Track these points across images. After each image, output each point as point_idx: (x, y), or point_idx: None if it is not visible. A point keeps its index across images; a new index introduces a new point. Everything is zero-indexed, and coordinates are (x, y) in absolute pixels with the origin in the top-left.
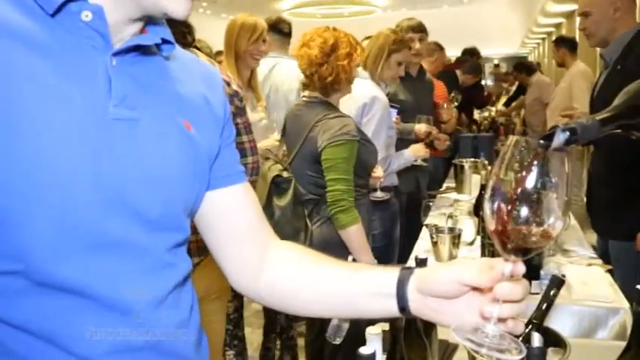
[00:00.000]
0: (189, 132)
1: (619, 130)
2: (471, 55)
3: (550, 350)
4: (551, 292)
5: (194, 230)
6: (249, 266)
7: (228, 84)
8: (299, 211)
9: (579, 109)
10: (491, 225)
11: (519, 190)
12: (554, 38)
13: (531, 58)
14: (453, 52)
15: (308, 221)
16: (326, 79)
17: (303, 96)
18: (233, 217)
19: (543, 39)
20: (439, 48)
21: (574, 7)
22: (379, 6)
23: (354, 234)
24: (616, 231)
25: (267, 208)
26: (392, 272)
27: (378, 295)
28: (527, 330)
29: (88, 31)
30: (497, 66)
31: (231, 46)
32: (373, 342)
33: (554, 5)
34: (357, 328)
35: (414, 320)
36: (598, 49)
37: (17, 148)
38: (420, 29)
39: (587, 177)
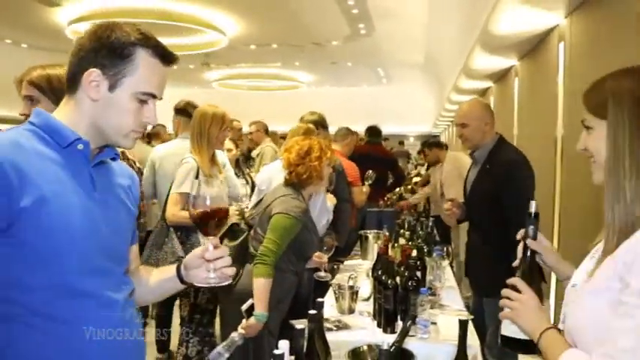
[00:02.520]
0: (128, 205)
1: None
2: (378, 134)
3: None
4: (408, 323)
5: None
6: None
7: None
8: (239, 257)
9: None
10: (192, 217)
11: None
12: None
13: (443, 138)
14: None
15: (242, 269)
16: (302, 175)
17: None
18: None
19: (452, 121)
20: (351, 132)
21: (474, 97)
22: (304, 82)
23: (261, 284)
24: (489, 290)
25: None
26: (173, 266)
27: (171, 279)
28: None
29: (80, 154)
30: (401, 143)
31: (204, 133)
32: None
33: (457, 95)
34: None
35: (311, 348)
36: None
37: (55, 218)
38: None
39: (465, 248)
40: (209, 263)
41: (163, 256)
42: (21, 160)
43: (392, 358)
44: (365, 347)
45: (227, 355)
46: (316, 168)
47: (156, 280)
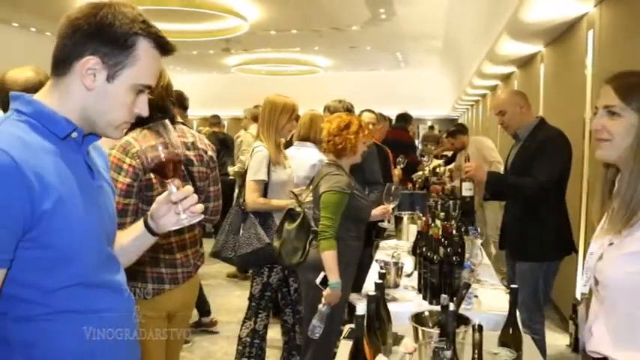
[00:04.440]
0: (111, 185)
1: None
2: (404, 120)
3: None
4: (463, 291)
5: None
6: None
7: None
8: (300, 236)
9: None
10: (151, 165)
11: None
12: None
13: (461, 121)
14: (388, 112)
15: (308, 244)
16: (337, 145)
17: (327, 159)
18: None
19: (472, 105)
20: (383, 118)
21: (496, 82)
22: (321, 67)
23: (328, 257)
24: (522, 254)
25: (280, 229)
26: (140, 223)
27: (140, 236)
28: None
29: (73, 142)
30: (431, 127)
31: (273, 121)
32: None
33: (479, 80)
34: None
35: (378, 313)
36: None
37: (73, 216)
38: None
39: (502, 221)
40: (177, 205)
41: (245, 241)
42: (34, 159)
43: (455, 320)
44: (427, 313)
45: (322, 326)
46: (351, 141)
47: (126, 241)
